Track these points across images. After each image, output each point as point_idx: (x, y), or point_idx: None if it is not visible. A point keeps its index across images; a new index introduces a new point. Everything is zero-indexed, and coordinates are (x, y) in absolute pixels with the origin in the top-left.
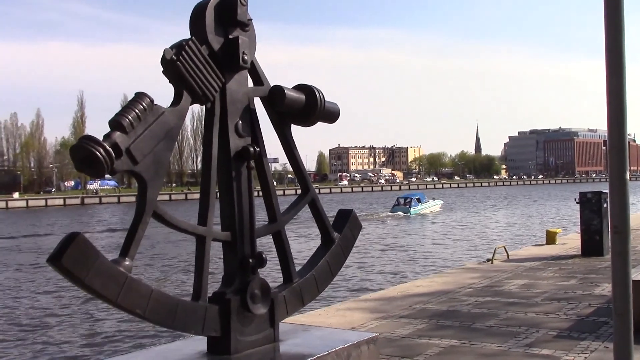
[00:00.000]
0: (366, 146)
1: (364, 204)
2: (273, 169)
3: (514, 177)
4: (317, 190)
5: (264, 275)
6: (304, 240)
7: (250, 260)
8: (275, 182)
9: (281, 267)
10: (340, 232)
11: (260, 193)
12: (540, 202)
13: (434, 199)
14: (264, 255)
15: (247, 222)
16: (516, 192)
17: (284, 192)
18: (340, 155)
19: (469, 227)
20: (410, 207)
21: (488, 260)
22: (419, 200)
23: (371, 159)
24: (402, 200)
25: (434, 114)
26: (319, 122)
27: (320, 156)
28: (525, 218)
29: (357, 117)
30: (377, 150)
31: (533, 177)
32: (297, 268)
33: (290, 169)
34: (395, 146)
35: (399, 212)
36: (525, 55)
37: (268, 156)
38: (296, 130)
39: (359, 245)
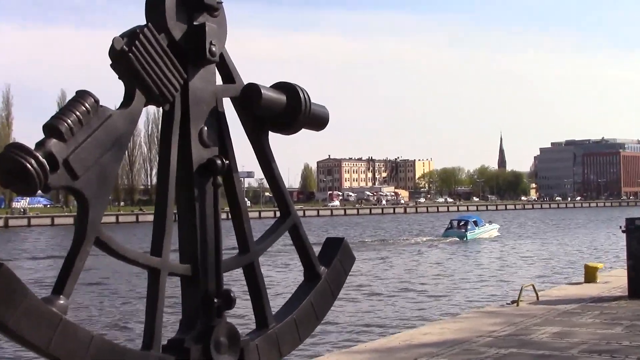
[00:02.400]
0: (363, 158)
1: (370, 230)
2: (247, 185)
3: (546, 199)
4: (301, 213)
5: (232, 319)
6: (283, 275)
7: (216, 300)
8: (249, 202)
9: (253, 308)
10: (328, 265)
11: (230, 216)
12: (578, 230)
13: (490, 222)
14: (232, 294)
15: (212, 252)
16: (548, 216)
17: (259, 215)
18: (330, 169)
19: (530, 255)
20: (466, 230)
21: (513, 302)
22: (475, 224)
23: (369, 174)
24: (456, 223)
25: (448, 120)
26: (303, 129)
27: (306, 170)
28: (559, 249)
29: (352, 123)
30: (376, 164)
31: (569, 198)
32: (274, 310)
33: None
34: (400, 158)
35: (453, 237)
36: (560, 50)
37: (240, 170)
38: (276, 139)
39: (359, 279)
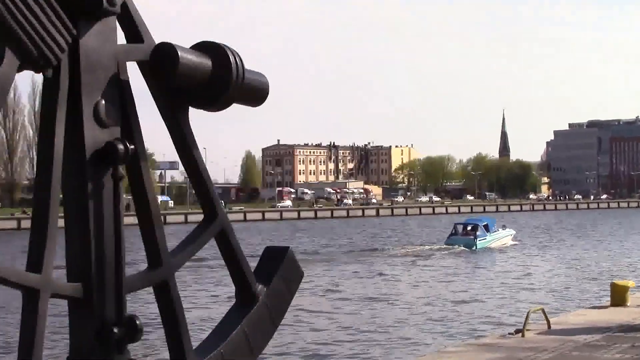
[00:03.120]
0: (323, 144)
1: (330, 239)
2: (170, 179)
3: (562, 197)
4: (240, 216)
5: (141, 352)
6: (211, 296)
7: (115, 330)
8: (172, 202)
9: (167, 340)
10: (267, 283)
11: (137, 219)
12: (605, 238)
13: (504, 226)
14: (137, 322)
15: (110, 266)
16: (565, 220)
17: (186, 218)
18: (280, 158)
19: (549, 268)
20: (475, 237)
21: (517, 331)
22: (487, 228)
23: (331, 166)
24: (461, 228)
25: (434, 95)
26: (235, 105)
27: (248, 160)
28: (577, 263)
29: (309, 98)
30: (340, 152)
31: (592, 196)
32: (196, 343)
33: None
34: (371, 145)
35: (459, 245)
36: (582, 4)
37: (161, 160)
38: (202, 118)
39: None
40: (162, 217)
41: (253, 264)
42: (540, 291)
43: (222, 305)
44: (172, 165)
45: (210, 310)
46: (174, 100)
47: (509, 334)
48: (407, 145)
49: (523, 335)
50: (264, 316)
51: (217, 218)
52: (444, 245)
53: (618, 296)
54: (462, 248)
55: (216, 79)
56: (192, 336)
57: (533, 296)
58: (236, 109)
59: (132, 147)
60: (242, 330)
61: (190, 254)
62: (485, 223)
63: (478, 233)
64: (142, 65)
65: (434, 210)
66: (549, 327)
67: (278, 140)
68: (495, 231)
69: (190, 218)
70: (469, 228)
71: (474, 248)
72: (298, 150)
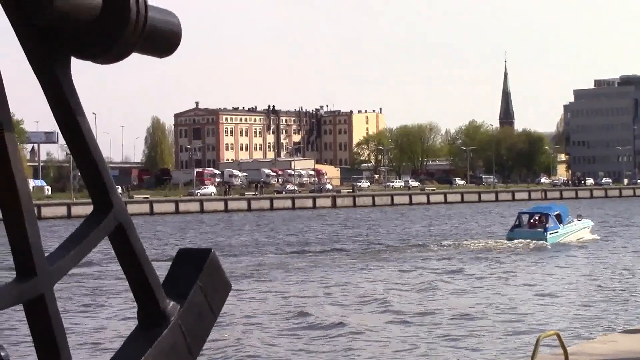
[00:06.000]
0: (258, 108)
1: (265, 235)
2: (45, 157)
3: (583, 181)
4: (146, 207)
5: None
6: (108, 313)
7: None
8: (49, 189)
9: None
10: (181, 298)
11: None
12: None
13: (579, 216)
14: (2, 354)
15: None
16: (587, 210)
17: (69, 210)
18: (200, 128)
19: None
20: (546, 230)
21: None
22: (559, 219)
23: (270, 138)
24: (526, 218)
25: (411, 44)
26: (135, 55)
27: (156, 130)
28: (602, 272)
29: (238, 48)
30: (283, 119)
31: (627, 180)
32: None
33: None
34: (326, 110)
35: (524, 239)
36: None
37: (34, 130)
38: (87, 71)
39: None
40: (35, 210)
41: (163, 272)
42: (554, 311)
43: (122, 327)
44: (48, 137)
45: (105, 334)
46: (50, 48)
47: None
48: (373, 111)
49: None
50: (177, 344)
51: (111, 210)
52: (505, 241)
53: None
54: (530, 242)
55: (108, 17)
56: None
57: (547, 318)
58: (137, 60)
59: None
60: None
61: (76, 259)
62: (557, 212)
63: (549, 225)
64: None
65: (410, 199)
66: (567, 357)
67: (197, 104)
68: (570, 222)
69: (75, 210)
70: (536, 218)
71: (544, 242)
72: (224, 116)
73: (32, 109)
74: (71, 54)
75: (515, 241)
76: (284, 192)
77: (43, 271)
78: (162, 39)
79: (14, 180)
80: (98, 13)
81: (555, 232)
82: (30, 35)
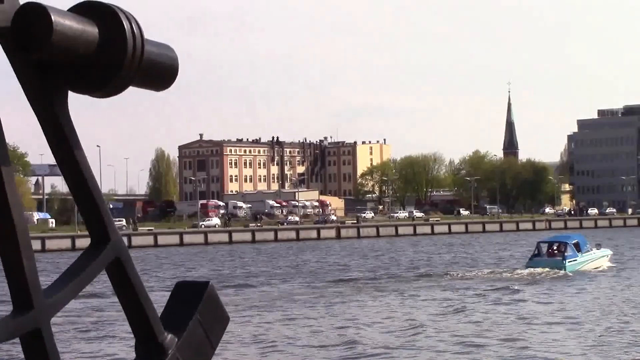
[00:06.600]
0: (262, 139)
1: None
2: (49, 188)
3: (586, 212)
4: (149, 240)
5: None
6: (107, 345)
7: None
8: (53, 222)
9: None
10: (179, 331)
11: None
12: None
13: (598, 245)
14: None
15: None
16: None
17: (73, 243)
18: (204, 159)
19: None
20: (565, 259)
21: None
22: (577, 247)
23: (274, 170)
24: (545, 248)
25: (415, 75)
26: (132, 89)
27: (160, 162)
28: (619, 300)
29: (242, 79)
30: (287, 150)
31: (631, 210)
32: None
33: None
34: (330, 141)
35: (543, 268)
36: None
37: (37, 163)
38: (92, 104)
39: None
40: (31, 242)
41: (162, 305)
42: (563, 341)
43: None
44: (52, 170)
45: None
46: (47, 82)
47: None
48: (378, 142)
49: None
50: None
51: (109, 242)
52: (523, 269)
53: None
54: (549, 270)
55: (105, 52)
56: None
57: (554, 345)
58: (141, 93)
59: None
60: None
61: (73, 292)
62: (576, 241)
63: (567, 253)
64: (1, 33)
65: (415, 229)
66: None
67: (201, 135)
68: (588, 251)
69: (80, 243)
70: (555, 247)
71: (563, 269)
72: (228, 148)
73: (36, 141)
74: (68, 88)
75: (535, 270)
76: (284, 224)
77: (40, 305)
78: (159, 73)
79: (10, 214)
80: (95, 47)
81: (574, 261)
82: (28, 71)
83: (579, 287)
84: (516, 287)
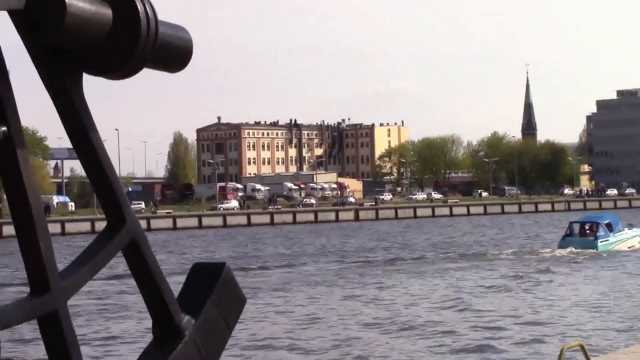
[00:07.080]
0: (280, 122)
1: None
2: (68, 172)
3: (604, 193)
4: (168, 223)
5: None
6: (125, 326)
7: None
8: (73, 205)
9: None
10: (196, 313)
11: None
12: None
13: (630, 225)
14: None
15: None
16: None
17: (92, 226)
18: (222, 142)
19: None
20: (597, 238)
21: None
22: (609, 227)
23: (292, 152)
24: (578, 227)
25: (432, 58)
26: (146, 70)
27: (178, 145)
28: (629, 280)
29: (260, 62)
30: (304, 132)
31: None
32: None
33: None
34: (347, 123)
35: (575, 248)
36: None
37: (56, 147)
38: (110, 88)
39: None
40: (47, 225)
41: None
42: (578, 320)
43: (137, 341)
44: (71, 154)
45: (120, 348)
46: (61, 64)
47: None
48: (395, 123)
49: None
50: (192, 358)
51: (125, 225)
52: (557, 250)
53: None
54: (580, 250)
55: (119, 34)
56: None
57: (570, 326)
58: (158, 75)
59: (4, 129)
60: None
61: (89, 274)
62: (608, 221)
63: (599, 233)
64: (15, 16)
65: (433, 211)
66: None
67: (219, 118)
68: (620, 231)
69: (99, 226)
70: (587, 227)
71: (595, 249)
72: (246, 131)
73: (55, 125)
74: (83, 70)
75: (567, 249)
76: (299, 206)
77: (56, 287)
78: (173, 55)
79: (26, 196)
80: (109, 29)
81: (606, 240)
82: (42, 54)
83: (611, 266)
84: (549, 267)
